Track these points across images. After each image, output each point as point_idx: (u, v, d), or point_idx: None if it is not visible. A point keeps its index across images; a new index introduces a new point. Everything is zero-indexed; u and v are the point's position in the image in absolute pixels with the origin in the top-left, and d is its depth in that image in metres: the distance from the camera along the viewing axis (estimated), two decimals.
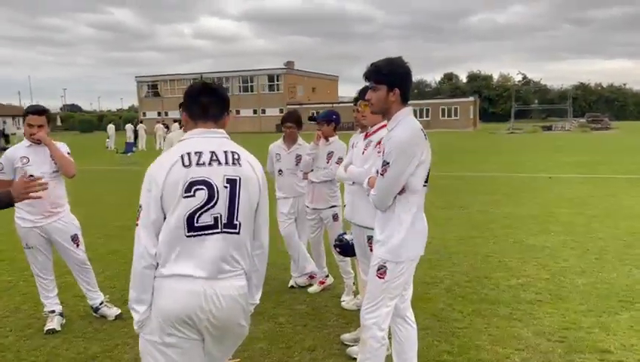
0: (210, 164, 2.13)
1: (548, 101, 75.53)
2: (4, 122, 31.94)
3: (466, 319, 4.37)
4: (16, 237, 4.43)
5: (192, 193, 2.08)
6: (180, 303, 2.08)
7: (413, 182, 2.76)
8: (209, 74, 64.04)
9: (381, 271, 2.84)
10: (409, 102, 2.82)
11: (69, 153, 4.29)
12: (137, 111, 67.04)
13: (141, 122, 33.08)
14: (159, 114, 58.28)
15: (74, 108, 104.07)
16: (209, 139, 2.21)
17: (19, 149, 4.17)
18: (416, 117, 2.84)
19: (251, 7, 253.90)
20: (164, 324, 2.10)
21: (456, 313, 4.51)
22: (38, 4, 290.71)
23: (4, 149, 4.43)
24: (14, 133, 39.72)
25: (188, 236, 2.09)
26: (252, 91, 63.01)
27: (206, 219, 2.10)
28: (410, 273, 2.94)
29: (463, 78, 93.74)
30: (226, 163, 2.16)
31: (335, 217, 4.88)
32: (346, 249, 3.92)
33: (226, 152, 2.19)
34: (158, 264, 2.12)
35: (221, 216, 2.13)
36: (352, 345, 3.84)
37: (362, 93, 3.55)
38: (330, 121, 4.78)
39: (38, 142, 4.10)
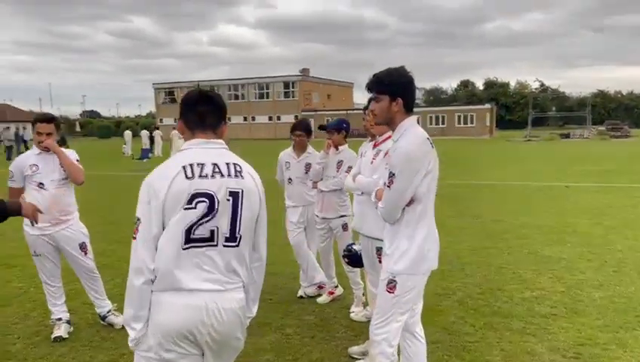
0: (212, 176, 2.09)
1: (566, 108, 74.60)
2: (24, 128, 32.30)
3: (477, 333, 4.27)
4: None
5: (193, 205, 2.04)
6: (181, 318, 2.04)
7: (422, 193, 2.70)
8: (225, 81, 64.69)
9: (391, 285, 2.77)
10: (418, 110, 2.78)
11: (77, 160, 4.31)
12: (155, 118, 67.75)
13: (157, 128, 33.01)
14: (175, 120, 58.69)
15: (93, 115, 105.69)
16: (208, 150, 2.17)
17: (29, 157, 4.20)
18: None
19: (266, 15, 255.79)
20: (164, 340, 2.05)
21: (468, 326, 4.40)
22: (59, 12, 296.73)
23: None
24: (32, 139, 40.28)
25: (185, 248, 2.05)
26: (268, 98, 63.34)
27: (202, 231, 2.06)
28: (421, 287, 2.87)
29: (479, 85, 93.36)
30: (229, 175, 2.13)
31: (345, 227, 4.82)
32: (355, 259, 3.87)
33: (228, 164, 2.15)
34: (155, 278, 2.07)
35: (218, 228, 2.08)
36: (360, 359, 3.78)
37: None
38: (341, 130, 4.74)
39: (46, 149, 4.11)
